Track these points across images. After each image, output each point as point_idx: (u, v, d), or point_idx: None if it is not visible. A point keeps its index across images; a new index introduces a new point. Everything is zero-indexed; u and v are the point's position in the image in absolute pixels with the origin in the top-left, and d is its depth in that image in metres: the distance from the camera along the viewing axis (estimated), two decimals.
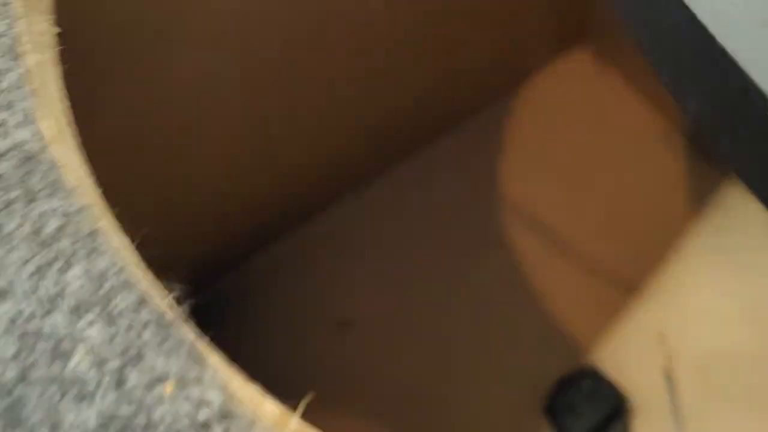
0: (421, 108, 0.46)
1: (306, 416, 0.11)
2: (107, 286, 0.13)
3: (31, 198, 0.15)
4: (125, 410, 0.12)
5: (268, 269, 0.50)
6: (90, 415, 0.12)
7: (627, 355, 0.49)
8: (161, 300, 0.13)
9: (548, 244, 0.51)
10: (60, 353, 0.13)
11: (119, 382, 0.13)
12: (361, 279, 0.49)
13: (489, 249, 0.51)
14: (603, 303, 0.50)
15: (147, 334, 0.13)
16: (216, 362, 0.12)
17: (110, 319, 0.13)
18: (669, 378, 0.48)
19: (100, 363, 0.13)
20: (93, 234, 0.14)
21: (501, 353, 0.49)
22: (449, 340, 0.49)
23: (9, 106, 0.16)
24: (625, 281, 0.51)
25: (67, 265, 0.14)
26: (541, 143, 0.54)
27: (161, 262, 0.15)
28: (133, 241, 0.15)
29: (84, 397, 0.13)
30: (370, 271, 0.49)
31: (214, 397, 0.12)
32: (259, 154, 0.38)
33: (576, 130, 0.54)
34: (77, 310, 0.13)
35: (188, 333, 0.13)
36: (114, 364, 0.13)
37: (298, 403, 0.13)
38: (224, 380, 0.12)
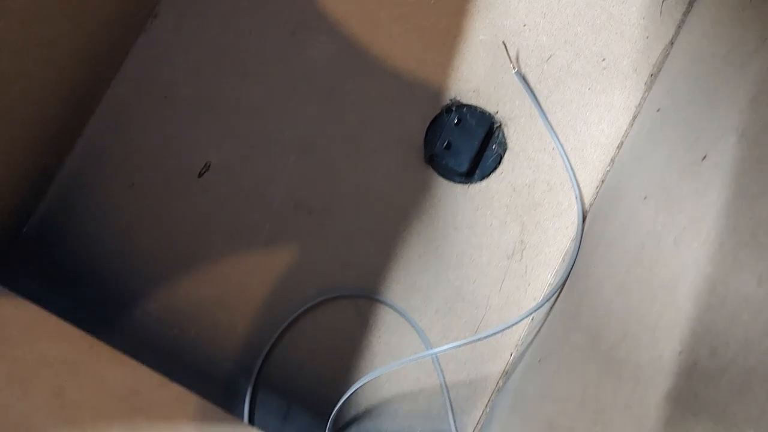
0: None
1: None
2: None
3: None
4: None
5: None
6: None
7: (479, 77, 0.51)
8: None
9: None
10: None
11: None
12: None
13: (317, 34, 0.51)
14: (439, 39, 0.52)
15: None
16: None
17: None
18: (521, 77, 0.51)
19: None
20: None
21: (365, 124, 0.50)
22: (316, 132, 0.50)
23: None
24: (450, 9, 0.51)
25: None
26: None
27: None
28: None
29: None
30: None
31: None
32: None
33: None
34: None
35: None
36: None
37: None
38: None
